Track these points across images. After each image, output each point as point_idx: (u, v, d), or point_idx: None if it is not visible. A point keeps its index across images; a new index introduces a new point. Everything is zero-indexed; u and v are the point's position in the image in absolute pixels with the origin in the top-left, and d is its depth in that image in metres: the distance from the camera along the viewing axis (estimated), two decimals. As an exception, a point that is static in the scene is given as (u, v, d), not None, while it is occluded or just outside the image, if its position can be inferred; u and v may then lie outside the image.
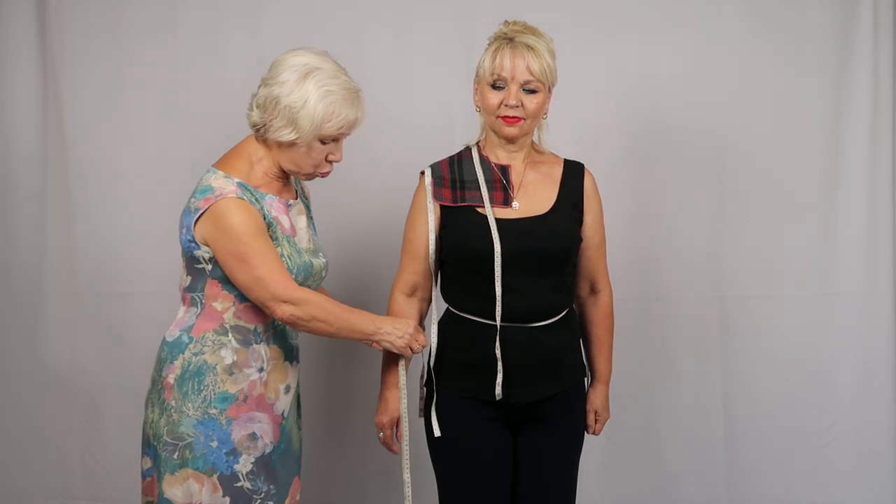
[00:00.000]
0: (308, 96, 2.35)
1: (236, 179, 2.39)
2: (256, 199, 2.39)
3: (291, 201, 2.50)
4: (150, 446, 2.46)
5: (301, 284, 2.43)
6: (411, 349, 2.53)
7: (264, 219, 2.38)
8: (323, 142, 2.41)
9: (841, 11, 3.35)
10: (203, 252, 2.39)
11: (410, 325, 2.53)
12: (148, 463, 2.47)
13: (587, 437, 2.71)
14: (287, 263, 2.40)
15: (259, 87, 2.43)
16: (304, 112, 2.35)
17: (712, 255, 3.42)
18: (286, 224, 2.45)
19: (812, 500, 3.46)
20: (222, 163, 2.45)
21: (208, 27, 3.40)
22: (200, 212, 2.36)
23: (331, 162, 2.46)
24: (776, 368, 3.43)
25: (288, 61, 2.40)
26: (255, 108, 2.41)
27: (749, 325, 3.43)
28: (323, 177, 2.50)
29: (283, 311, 2.37)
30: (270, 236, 2.39)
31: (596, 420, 2.72)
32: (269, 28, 3.35)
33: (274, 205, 2.43)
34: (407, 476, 2.56)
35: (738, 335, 3.43)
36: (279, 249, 2.40)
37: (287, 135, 2.37)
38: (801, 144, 3.39)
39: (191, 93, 3.40)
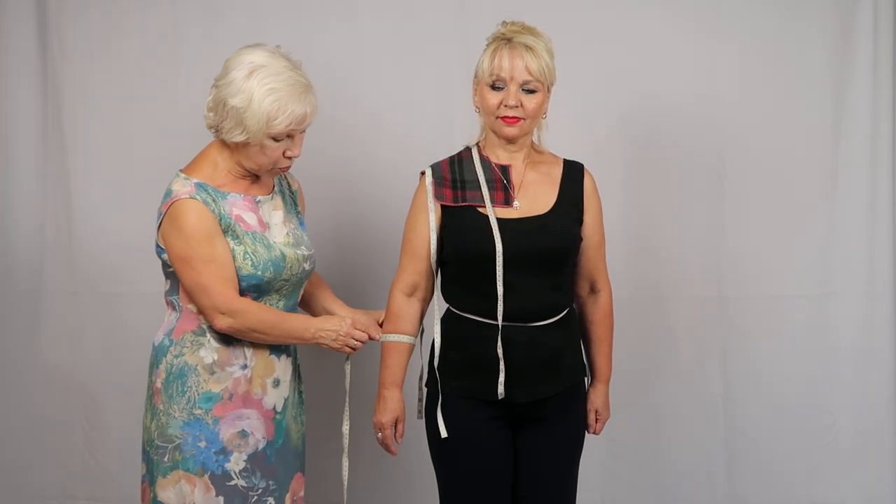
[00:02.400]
0: (252, 95, 2.33)
1: (195, 180, 2.39)
2: (214, 199, 2.38)
3: (261, 197, 2.48)
4: (144, 451, 2.47)
5: (272, 278, 2.43)
6: (350, 347, 2.52)
7: (221, 220, 2.37)
8: (276, 139, 2.38)
9: (841, 12, 3.35)
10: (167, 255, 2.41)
11: (344, 325, 2.50)
12: (143, 469, 2.49)
13: (588, 436, 2.71)
14: (251, 260, 2.39)
15: (211, 88, 2.41)
16: (250, 112, 2.33)
17: (712, 255, 3.42)
18: (252, 221, 2.44)
19: (812, 499, 3.46)
20: (188, 167, 2.46)
21: (208, 29, 3.40)
22: (162, 216, 2.38)
23: (289, 157, 2.44)
24: (776, 368, 3.43)
25: (235, 60, 2.38)
26: (208, 111, 2.41)
27: (749, 324, 3.42)
28: (283, 171, 2.49)
29: (220, 322, 2.37)
30: (230, 236, 2.38)
31: (596, 419, 2.72)
32: (269, 30, 3.33)
33: (237, 203, 2.42)
34: (346, 428, 2.64)
35: (738, 335, 3.43)
36: (241, 247, 2.38)
37: (238, 135, 2.36)
38: (801, 144, 3.39)
39: (191, 94, 3.38)
